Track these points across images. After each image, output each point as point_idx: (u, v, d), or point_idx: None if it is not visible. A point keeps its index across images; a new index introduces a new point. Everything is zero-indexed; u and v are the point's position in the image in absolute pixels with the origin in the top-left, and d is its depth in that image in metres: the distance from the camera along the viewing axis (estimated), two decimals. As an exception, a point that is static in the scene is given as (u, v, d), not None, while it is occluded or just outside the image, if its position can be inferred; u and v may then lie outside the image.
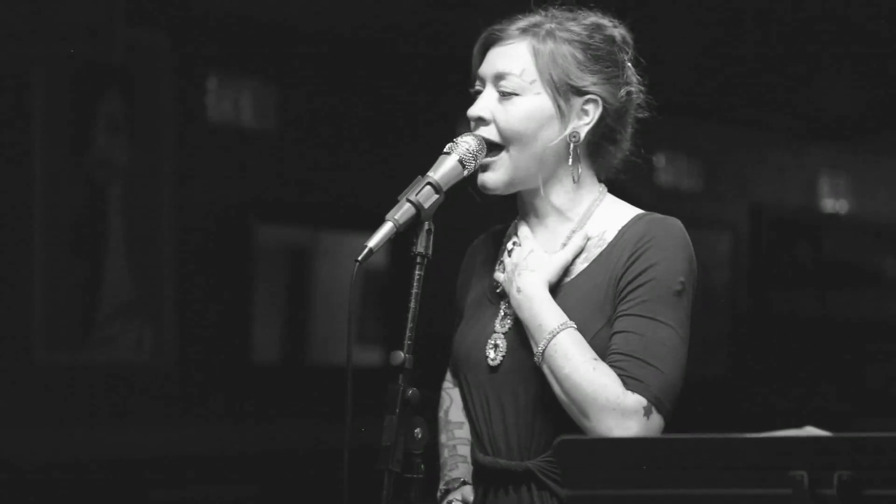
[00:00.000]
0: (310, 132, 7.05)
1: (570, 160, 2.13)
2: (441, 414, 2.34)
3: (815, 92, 8.61)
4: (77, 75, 6.17)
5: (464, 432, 2.29)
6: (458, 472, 2.26)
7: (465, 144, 2.11)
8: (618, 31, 2.17)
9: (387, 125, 7.31)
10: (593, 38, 2.14)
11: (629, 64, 2.17)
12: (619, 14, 2.20)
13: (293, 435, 6.74)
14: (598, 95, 2.12)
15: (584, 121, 2.13)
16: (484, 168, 2.13)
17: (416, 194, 2.04)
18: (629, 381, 1.99)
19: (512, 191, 2.16)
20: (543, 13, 2.16)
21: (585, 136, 2.13)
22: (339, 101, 7.14)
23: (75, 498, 6.04)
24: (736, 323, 9.45)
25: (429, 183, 2.05)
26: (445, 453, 2.30)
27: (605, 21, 2.17)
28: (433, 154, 2.11)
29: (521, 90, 2.11)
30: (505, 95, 2.12)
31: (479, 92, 2.15)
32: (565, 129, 2.12)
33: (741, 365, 9.35)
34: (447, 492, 2.25)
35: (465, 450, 2.27)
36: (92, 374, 6.26)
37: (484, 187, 2.13)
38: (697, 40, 7.14)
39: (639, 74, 2.19)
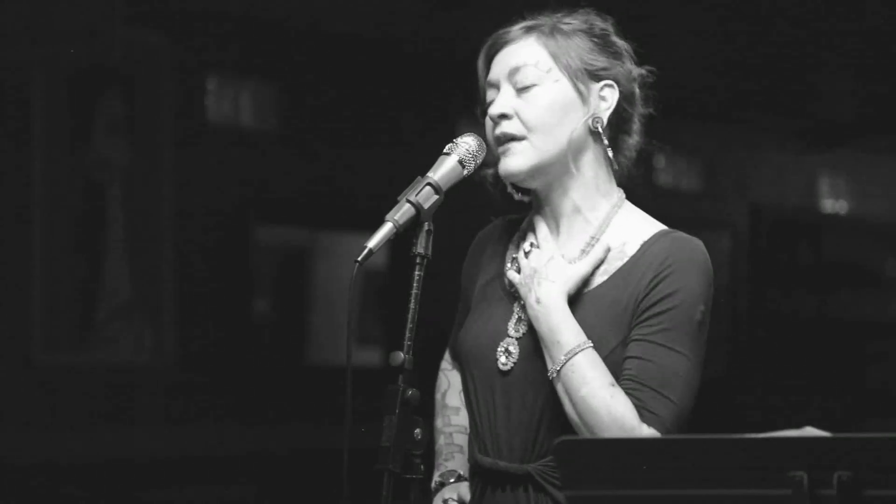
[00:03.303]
0: (309, 132, 7.05)
1: (604, 140, 2.11)
2: (438, 396, 2.32)
3: (815, 92, 8.61)
4: (77, 75, 6.17)
5: (460, 419, 2.27)
6: (453, 464, 2.24)
7: (464, 145, 2.10)
8: (609, 24, 2.18)
9: (387, 125, 7.31)
10: (593, 28, 2.15)
11: (628, 51, 2.18)
12: (620, 14, 2.21)
13: (293, 435, 6.74)
14: (614, 78, 2.13)
15: (604, 105, 2.12)
16: (505, 154, 2.11)
17: (416, 195, 2.03)
18: (645, 414, 1.99)
19: (535, 179, 2.12)
20: (538, 16, 2.17)
21: (606, 124, 2.13)
22: (338, 102, 7.15)
23: (75, 498, 6.04)
24: (736, 323, 9.45)
25: (428, 183, 2.04)
26: (441, 440, 2.28)
27: (594, 15, 2.18)
28: (433, 154, 2.10)
29: (539, 80, 2.10)
30: (523, 89, 2.10)
31: (493, 100, 2.14)
32: (587, 115, 2.11)
33: (741, 365, 9.36)
34: (442, 485, 2.24)
35: (461, 438, 2.26)
36: (91, 374, 6.26)
37: (507, 173, 2.11)
38: (697, 40, 7.14)
39: (639, 65, 2.20)
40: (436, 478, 2.25)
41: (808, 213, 10.08)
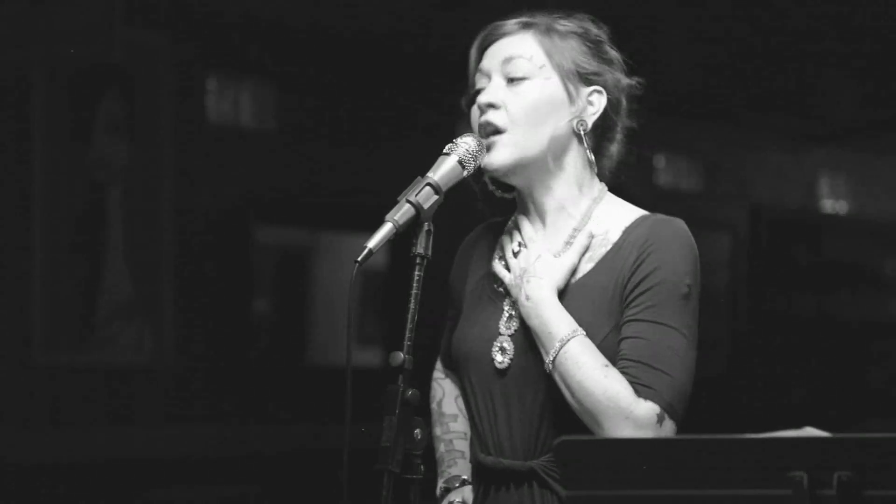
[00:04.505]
0: (309, 132, 7.05)
1: (585, 144, 2.13)
2: (434, 406, 2.33)
3: (815, 92, 8.61)
4: (77, 75, 6.17)
5: (459, 425, 2.28)
6: (457, 469, 2.25)
7: (464, 145, 2.11)
8: (603, 32, 2.20)
9: (386, 125, 7.31)
10: (588, 33, 2.17)
11: (620, 61, 2.19)
12: (621, 14, 2.21)
13: (293, 435, 6.74)
14: (603, 85, 2.14)
15: (591, 110, 2.14)
16: (489, 148, 2.12)
17: (416, 195, 2.03)
18: (640, 389, 1.99)
19: (517, 174, 2.14)
20: (535, 14, 2.18)
21: (590, 129, 2.14)
22: (338, 102, 7.15)
23: (75, 498, 6.04)
24: (735, 323, 9.45)
25: (428, 184, 2.05)
26: (442, 448, 2.29)
27: (590, 22, 2.20)
28: (433, 154, 2.11)
29: (531, 74, 2.11)
30: (514, 80, 2.12)
31: (481, 90, 2.15)
32: (573, 116, 2.13)
33: (741, 365, 9.35)
34: (447, 490, 2.24)
35: (461, 444, 2.26)
36: (92, 374, 6.26)
37: (490, 166, 2.12)
38: (697, 41, 7.14)
39: (630, 73, 2.20)
40: (440, 484, 2.25)
41: (808, 213, 10.07)
